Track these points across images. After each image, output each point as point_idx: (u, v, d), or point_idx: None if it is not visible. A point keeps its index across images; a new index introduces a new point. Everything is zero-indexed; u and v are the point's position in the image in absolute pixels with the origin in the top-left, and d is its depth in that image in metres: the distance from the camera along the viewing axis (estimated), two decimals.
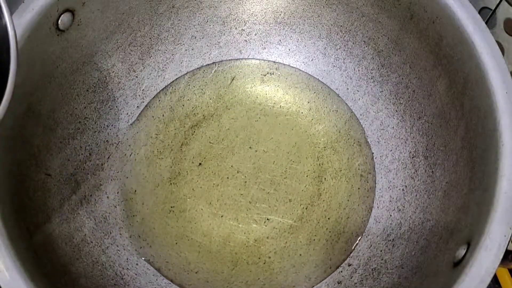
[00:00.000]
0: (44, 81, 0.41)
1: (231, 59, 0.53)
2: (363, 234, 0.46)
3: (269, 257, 0.46)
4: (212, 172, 0.49)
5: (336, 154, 0.49)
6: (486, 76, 0.38)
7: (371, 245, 0.46)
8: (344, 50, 0.51)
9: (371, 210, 0.47)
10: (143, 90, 0.51)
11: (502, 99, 0.37)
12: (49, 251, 0.40)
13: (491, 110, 0.38)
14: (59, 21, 0.40)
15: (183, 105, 0.51)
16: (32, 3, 0.37)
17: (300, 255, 0.46)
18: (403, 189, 0.47)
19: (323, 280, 0.45)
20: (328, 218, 0.47)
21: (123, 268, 0.45)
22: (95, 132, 0.48)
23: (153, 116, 0.50)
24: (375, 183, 0.48)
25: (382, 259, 0.44)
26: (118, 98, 0.49)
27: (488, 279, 0.33)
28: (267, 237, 0.47)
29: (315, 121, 0.51)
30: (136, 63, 0.50)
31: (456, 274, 0.35)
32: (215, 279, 0.45)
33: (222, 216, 0.47)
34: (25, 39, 0.37)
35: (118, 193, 0.47)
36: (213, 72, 0.52)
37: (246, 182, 0.48)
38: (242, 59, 0.53)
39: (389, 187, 0.48)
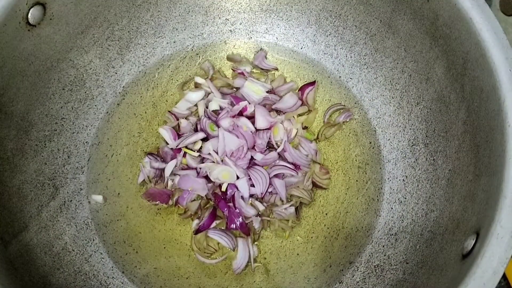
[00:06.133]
0: (16, 80, 0.39)
1: (216, 51, 0.50)
2: (364, 229, 0.44)
3: (265, 258, 0.43)
4: None
5: (331, 145, 0.47)
6: (487, 53, 0.36)
7: (372, 241, 0.44)
8: (334, 36, 0.48)
9: (371, 204, 0.45)
10: (123, 86, 0.48)
11: (506, 76, 0.35)
12: (26, 262, 0.38)
13: (494, 90, 0.36)
14: (29, 15, 0.38)
15: (167, 101, 0.48)
16: None
17: (298, 254, 0.44)
18: (403, 180, 0.44)
19: (323, 280, 0.43)
20: (326, 214, 0.45)
21: (108, 277, 0.42)
22: (73, 133, 0.45)
23: (134, 114, 0.47)
24: (374, 175, 0.46)
25: (385, 255, 0.42)
26: (96, 96, 0.47)
27: (502, 270, 0.31)
28: (262, 236, 0.44)
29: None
30: (115, 59, 0.47)
31: (466, 266, 0.32)
32: (207, 284, 0.42)
33: None
34: None
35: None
36: (196, 64, 0.49)
37: None
38: (227, 50, 0.50)
39: (388, 178, 0.45)
